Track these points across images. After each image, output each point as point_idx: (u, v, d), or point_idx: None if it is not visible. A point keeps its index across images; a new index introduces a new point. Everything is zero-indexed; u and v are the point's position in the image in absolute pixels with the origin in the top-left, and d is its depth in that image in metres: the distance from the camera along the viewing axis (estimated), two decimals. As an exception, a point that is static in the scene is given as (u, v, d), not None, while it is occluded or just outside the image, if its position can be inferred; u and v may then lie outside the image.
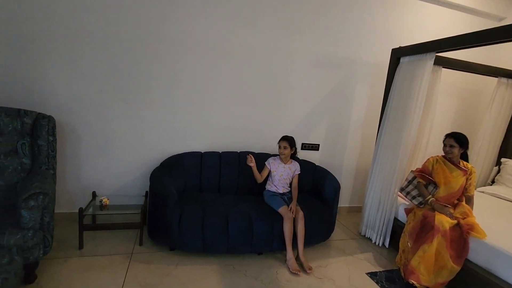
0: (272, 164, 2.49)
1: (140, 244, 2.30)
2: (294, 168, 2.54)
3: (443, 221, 2.02)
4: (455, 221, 2.04)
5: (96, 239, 2.31)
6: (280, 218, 2.25)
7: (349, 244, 2.68)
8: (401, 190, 2.54)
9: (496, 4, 3.39)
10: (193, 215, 2.14)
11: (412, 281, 1.98)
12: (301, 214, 2.29)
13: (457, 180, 2.23)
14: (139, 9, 2.41)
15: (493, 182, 3.20)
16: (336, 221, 2.66)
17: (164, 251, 2.25)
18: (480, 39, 1.93)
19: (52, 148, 2.07)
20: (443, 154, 2.34)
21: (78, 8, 2.28)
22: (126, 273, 1.96)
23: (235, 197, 2.54)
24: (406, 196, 2.50)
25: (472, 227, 1.96)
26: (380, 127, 2.72)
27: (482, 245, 1.90)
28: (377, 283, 2.12)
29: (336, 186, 2.61)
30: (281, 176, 2.47)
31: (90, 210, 2.30)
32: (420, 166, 2.48)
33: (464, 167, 2.26)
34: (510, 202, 2.76)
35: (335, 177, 2.72)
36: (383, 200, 2.63)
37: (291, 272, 2.12)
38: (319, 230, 2.50)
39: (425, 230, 2.11)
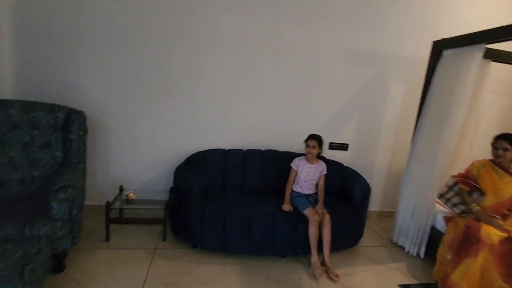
0: (298, 164, 2.38)
1: (164, 239, 2.31)
2: (320, 168, 2.41)
3: (491, 233, 1.79)
4: (506, 234, 1.81)
5: (122, 232, 2.35)
6: (305, 221, 2.15)
7: (379, 252, 2.51)
8: (440, 196, 2.32)
9: (558, -11, 2.99)
10: (215, 214, 2.11)
11: (452, 298, 1.79)
12: (327, 217, 2.17)
13: (508, 187, 1.98)
14: (165, 7, 2.42)
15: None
16: (365, 226, 2.49)
17: (186, 248, 2.24)
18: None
19: (82, 142, 2.13)
20: (491, 158, 2.09)
21: (107, 9, 2.34)
22: (149, 268, 1.96)
23: (258, 197, 2.47)
24: (445, 203, 2.28)
25: (526, 242, 1.73)
26: (417, 127, 2.50)
27: (538, 263, 1.66)
28: (410, 296, 1.95)
29: (366, 189, 2.45)
30: (307, 176, 2.36)
31: (117, 204, 2.34)
32: (462, 171, 2.25)
33: (517, 172, 2.00)
34: None
35: (365, 179, 2.55)
36: (419, 206, 2.42)
37: (316, 277, 2.01)
38: (347, 235, 2.36)
39: (468, 242, 1.89)
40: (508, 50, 2.39)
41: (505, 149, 1.97)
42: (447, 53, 2.33)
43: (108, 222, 2.19)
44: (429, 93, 2.40)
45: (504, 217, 2.00)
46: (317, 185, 2.42)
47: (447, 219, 2.21)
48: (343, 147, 3.01)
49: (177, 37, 2.49)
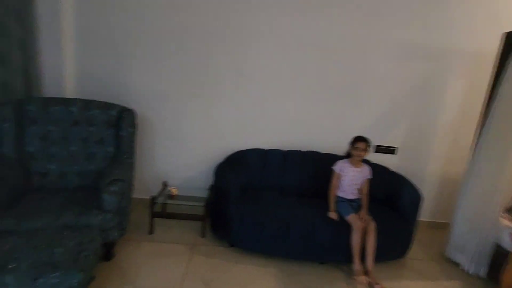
0: (342, 168, 2.26)
1: (203, 236, 2.36)
2: (365, 172, 2.26)
3: None
4: None
5: (164, 226, 2.45)
6: (347, 227, 2.03)
7: (430, 267, 2.28)
8: (507, 211, 2.03)
9: None
10: (253, 215, 2.09)
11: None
12: (373, 225, 2.03)
13: None
14: (211, 8, 2.45)
15: None
16: (414, 237, 2.29)
17: (224, 246, 2.26)
18: None
19: (132, 139, 2.26)
20: None
21: (157, 12, 2.44)
22: (189, 263, 2.01)
23: (298, 200, 2.40)
24: (514, 219, 1.99)
25: None
26: (482, 131, 2.22)
27: None
28: (469, 321, 1.73)
29: (416, 196, 2.25)
30: (351, 180, 2.22)
31: (161, 199, 2.45)
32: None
33: None
34: None
35: (415, 186, 2.34)
36: (479, 220, 2.15)
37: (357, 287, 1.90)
38: (393, 246, 2.19)
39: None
40: None
41: None
42: (521, 46, 2.03)
43: (152, 216, 2.29)
44: (498, 92, 2.11)
45: None
46: (360, 190, 2.27)
47: (516, 237, 1.93)
48: (390, 150, 2.80)
49: (221, 37, 2.52)
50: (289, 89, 2.65)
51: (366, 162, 2.39)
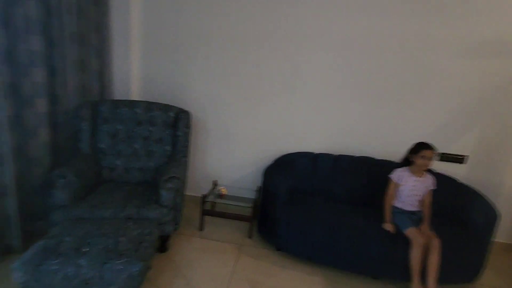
0: (400, 177, 2.08)
1: (250, 237, 2.38)
2: (428, 182, 2.05)
3: None
4: None
5: (213, 224, 2.54)
6: (405, 241, 1.86)
7: (507, 297, 1.97)
8: None
9: None
10: (301, 219, 2.04)
11: None
12: (436, 241, 1.82)
13: None
14: (262, 13, 2.47)
15: None
16: (487, 259, 1.99)
17: (271, 249, 2.25)
18: None
19: (187, 139, 2.39)
20: None
21: (210, 17, 2.54)
22: (236, 263, 2.05)
23: (348, 207, 2.27)
24: None
25: None
26: None
27: None
28: None
29: (491, 213, 1.96)
30: (412, 191, 2.03)
31: (211, 197, 2.54)
32: None
33: None
34: None
35: (490, 202, 2.05)
36: None
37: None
38: (461, 267, 1.94)
39: None
40: None
41: None
42: None
43: (202, 213, 2.38)
44: None
45: None
46: (421, 201, 2.06)
47: None
48: (459, 159, 2.50)
49: (273, 39, 2.52)
50: (341, 91, 2.53)
51: (429, 171, 2.17)
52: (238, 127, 2.74)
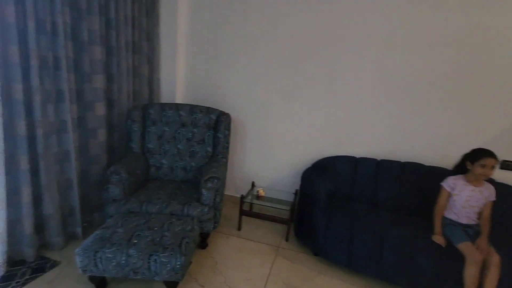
0: (454, 185, 1.90)
1: (287, 240, 2.38)
2: (487, 192, 1.85)
3: None
4: None
5: (251, 224, 2.58)
6: (459, 257, 1.70)
7: None
8: None
9: None
10: (341, 225, 1.98)
11: None
12: (496, 258, 1.63)
13: None
14: (303, 16, 2.46)
15: None
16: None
17: (307, 253, 2.22)
18: None
19: (226, 140, 2.47)
20: None
21: (250, 25, 2.60)
22: (272, 265, 2.06)
23: (393, 216, 2.15)
24: None
25: None
26: None
27: None
28: None
29: None
30: (467, 202, 1.85)
31: (249, 198, 2.59)
32: None
33: None
34: None
35: None
36: None
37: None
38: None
39: None
40: None
41: None
42: None
43: (240, 214, 2.44)
44: None
45: None
46: (479, 214, 1.87)
47: None
48: (525, 168, 2.21)
49: (314, 42, 2.49)
50: (385, 92, 2.40)
51: (488, 180, 1.95)
52: (277, 130, 2.75)
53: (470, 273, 1.63)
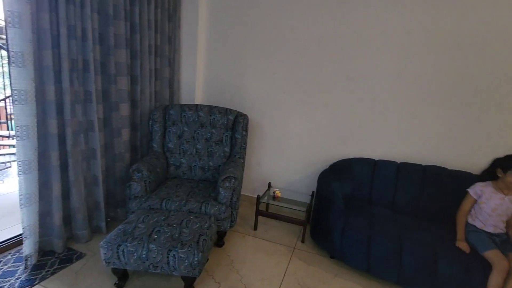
0: (481, 192, 1.80)
1: (302, 241, 2.37)
2: None
3: None
4: None
5: (267, 224, 2.60)
6: (483, 264, 1.63)
7: None
8: None
9: None
10: (358, 228, 1.95)
11: None
12: (522, 269, 1.55)
13: None
14: (320, 18, 2.45)
15: None
16: None
17: (323, 255, 2.20)
18: None
19: (244, 141, 2.50)
20: None
21: (266, 27, 2.62)
22: (288, 265, 2.06)
23: (413, 220, 2.09)
24: None
25: None
26: None
27: None
28: None
29: None
30: (495, 211, 1.75)
31: (265, 199, 2.60)
32: None
33: None
34: None
35: None
36: None
37: None
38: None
39: None
40: None
41: None
42: None
43: (257, 214, 2.46)
44: None
45: None
46: (506, 222, 1.78)
47: None
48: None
49: (331, 42, 2.47)
50: (407, 93, 2.34)
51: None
52: (294, 131, 2.75)
53: (495, 280, 1.56)
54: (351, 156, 2.56)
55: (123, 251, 1.55)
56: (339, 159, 2.55)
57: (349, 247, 1.98)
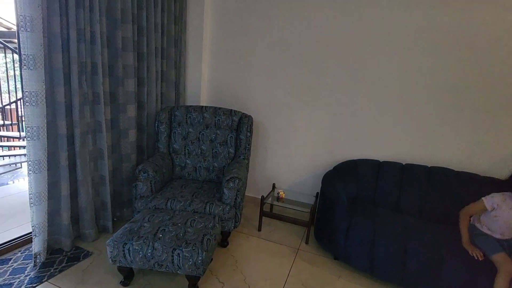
0: (499, 207, 1.71)
1: (306, 242, 2.37)
2: None
3: None
4: None
5: (271, 225, 2.61)
6: (490, 267, 1.61)
7: None
8: None
9: None
10: (363, 230, 1.95)
11: None
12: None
13: None
14: (324, 18, 2.47)
15: None
16: None
17: (327, 257, 2.20)
18: None
19: (248, 142, 2.52)
20: None
21: (270, 30, 2.64)
22: (291, 266, 2.07)
23: (417, 222, 2.08)
24: None
25: None
26: None
27: None
28: None
29: None
30: (507, 223, 1.70)
31: (269, 200, 2.62)
32: None
33: None
34: None
35: None
36: None
37: None
38: None
39: None
40: None
41: None
42: None
43: (261, 214, 2.47)
44: None
45: None
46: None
47: None
48: None
49: (334, 44, 2.48)
50: (411, 94, 2.33)
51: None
52: (298, 132, 2.76)
53: (500, 282, 1.54)
54: (355, 157, 2.56)
55: (129, 249, 1.58)
56: (344, 160, 2.56)
57: (353, 248, 1.98)
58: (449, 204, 2.10)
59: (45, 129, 1.73)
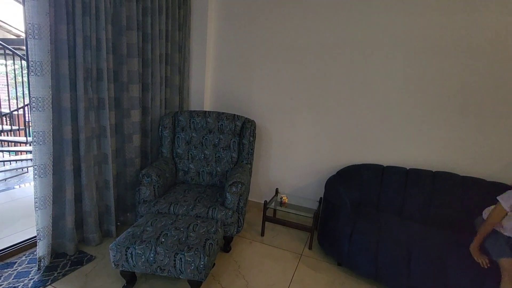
0: None
1: (310, 248, 2.35)
2: None
3: None
4: None
5: (274, 230, 2.59)
6: (496, 274, 1.58)
7: None
8: None
9: None
10: (366, 235, 1.93)
11: None
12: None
13: None
14: (327, 24, 2.48)
15: None
16: None
17: (331, 263, 2.18)
18: None
19: (251, 146, 2.53)
20: None
21: (274, 34, 2.67)
22: (294, 272, 2.05)
23: (422, 227, 2.05)
24: None
25: None
26: None
27: None
28: None
29: None
30: None
31: (272, 204, 2.61)
32: None
33: None
34: None
35: None
36: None
37: None
38: None
39: None
40: None
41: None
42: None
43: (264, 219, 2.46)
44: None
45: None
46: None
47: None
48: None
49: (337, 49, 2.49)
50: (415, 99, 2.32)
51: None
52: (301, 137, 2.76)
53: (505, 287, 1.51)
54: (359, 162, 2.55)
55: (131, 253, 1.58)
56: (347, 165, 2.55)
57: (356, 254, 1.95)
58: (454, 209, 2.07)
59: (51, 134, 1.76)
